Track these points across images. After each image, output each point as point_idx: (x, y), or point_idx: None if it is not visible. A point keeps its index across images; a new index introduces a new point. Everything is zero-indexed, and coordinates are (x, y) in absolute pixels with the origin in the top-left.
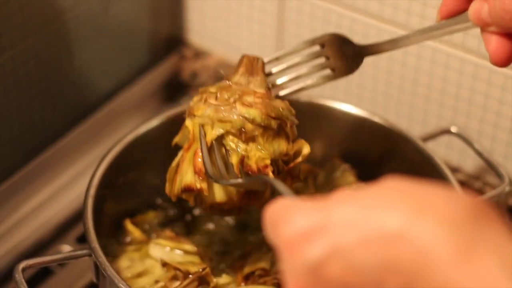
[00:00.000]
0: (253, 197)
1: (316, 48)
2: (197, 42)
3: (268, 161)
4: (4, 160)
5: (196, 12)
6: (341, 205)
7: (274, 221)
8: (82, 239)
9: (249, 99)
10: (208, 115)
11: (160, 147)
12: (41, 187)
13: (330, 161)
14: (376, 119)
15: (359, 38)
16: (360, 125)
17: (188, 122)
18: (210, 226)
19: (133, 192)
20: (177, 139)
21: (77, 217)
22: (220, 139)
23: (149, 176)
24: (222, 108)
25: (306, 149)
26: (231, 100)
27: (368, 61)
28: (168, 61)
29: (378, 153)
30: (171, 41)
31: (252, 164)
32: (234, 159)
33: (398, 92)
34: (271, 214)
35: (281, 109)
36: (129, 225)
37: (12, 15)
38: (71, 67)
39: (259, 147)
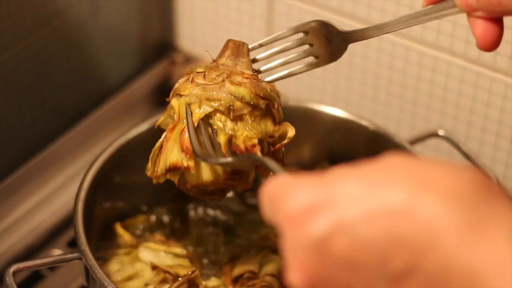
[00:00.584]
0: (237, 178)
1: (300, 35)
2: (187, 47)
3: (255, 141)
4: None
5: (186, 18)
6: (343, 181)
7: (273, 197)
8: (73, 244)
9: (237, 78)
10: (196, 93)
11: (150, 151)
12: (32, 192)
13: (318, 164)
14: (364, 122)
15: None
16: (348, 129)
17: (174, 102)
18: (200, 229)
19: (123, 196)
20: (160, 121)
21: (68, 222)
22: (207, 118)
23: (139, 180)
24: (210, 86)
25: (291, 132)
26: (220, 79)
27: (355, 65)
28: (158, 66)
29: (367, 157)
30: (162, 46)
31: (240, 143)
32: (221, 139)
33: (385, 95)
34: (270, 191)
35: (269, 90)
36: (119, 229)
37: (1, 20)
38: (61, 72)
39: (247, 126)
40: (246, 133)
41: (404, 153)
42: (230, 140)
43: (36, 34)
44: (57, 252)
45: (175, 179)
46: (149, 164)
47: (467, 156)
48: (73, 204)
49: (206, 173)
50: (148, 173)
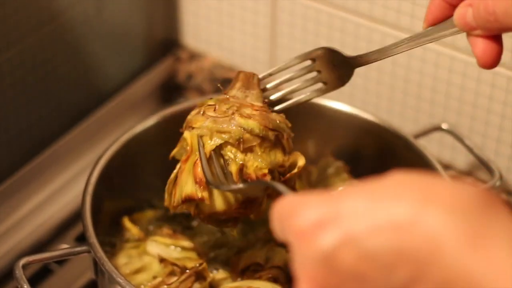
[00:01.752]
0: (249, 207)
1: (308, 62)
2: (192, 45)
3: (266, 170)
4: (2, 161)
5: (190, 15)
6: (350, 197)
7: (284, 215)
8: (80, 239)
9: (247, 111)
10: (207, 126)
11: (157, 146)
12: (40, 187)
13: (323, 159)
14: (369, 116)
15: (350, 38)
16: (353, 123)
17: (186, 134)
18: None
19: (131, 190)
20: (174, 152)
21: (76, 217)
22: (218, 149)
23: (146, 174)
24: (220, 119)
25: (301, 161)
26: (230, 112)
27: None
28: (163, 63)
29: (371, 150)
30: (166, 43)
31: (251, 172)
32: (233, 168)
33: (389, 90)
34: (280, 209)
35: (278, 122)
36: (127, 223)
37: (7, 18)
38: (67, 69)
39: (257, 157)
40: (256, 164)
41: (409, 171)
42: (241, 170)
43: (41, 31)
44: (65, 247)
45: (191, 209)
46: (166, 195)
47: (470, 149)
48: (80, 200)
49: (219, 203)
50: (165, 203)
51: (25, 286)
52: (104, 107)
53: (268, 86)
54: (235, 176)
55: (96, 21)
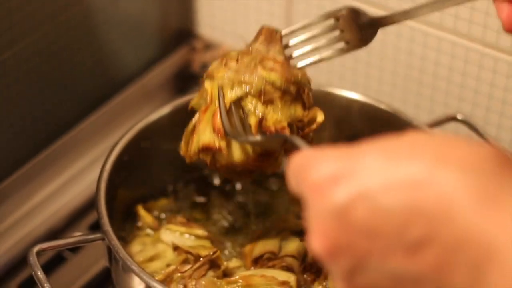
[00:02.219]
0: (265, 160)
1: (331, 21)
2: (207, 34)
3: (285, 124)
4: (18, 149)
5: (205, 5)
6: (366, 154)
7: (299, 169)
8: (94, 227)
9: (269, 64)
10: (228, 76)
11: (171, 135)
12: (55, 175)
13: None
14: (383, 106)
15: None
16: (367, 113)
17: (207, 84)
18: (221, 212)
19: (145, 179)
20: (193, 103)
21: (90, 205)
22: (238, 101)
23: (160, 163)
24: (242, 70)
25: (320, 117)
26: (252, 64)
27: (374, 51)
28: (178, 53)
29: None
30: (181, 33)
31: (270, 125)
32: (252, 120)
33: (404, 81)
34: (296, 163)
35: (299, 76)
36: (141, 210)
37: (23, 6)
38: (82, 58)
39: (277, 110)
40: (276, 116)
41: (423, 131)
42: (260, 122)
43: (57, 20)
44: (79, 234)
45: (207, 159)
46: (182, 144)
47: (485, 140)
48: (94, 188)
49: (236, 154)
50: (181, 152)
51: (39, 273)
52: (119, 96)
53: (290, 43)
54: (254, 128)
55: (111, 10)
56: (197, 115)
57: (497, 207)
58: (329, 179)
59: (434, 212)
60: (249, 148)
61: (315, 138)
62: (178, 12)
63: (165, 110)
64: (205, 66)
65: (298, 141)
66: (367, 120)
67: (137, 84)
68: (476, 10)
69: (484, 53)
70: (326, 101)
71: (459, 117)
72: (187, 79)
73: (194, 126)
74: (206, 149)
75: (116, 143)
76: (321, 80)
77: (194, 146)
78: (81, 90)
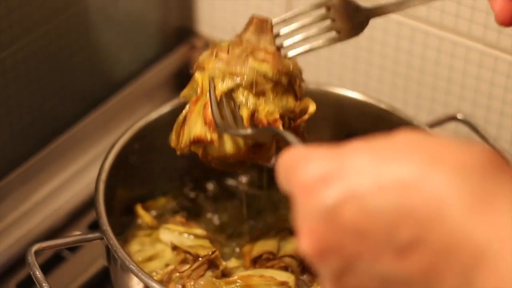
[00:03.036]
0: (257, 152)
1: (323, 10)
2: (207, 33)
3: (277, 115)
4: (17, 148)
5: (205, 3)
6: (356, 153)
7: (289, 167)
8: (93, 227)
9: (260, 55)
10: (219, 68)
11: (170, 134)
12: (53, 174)
13: None
14: (383, 106)
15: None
16: (367, 112)
17: (197, 75)
18: (221, 212)
19: (144, 178)
20: (184, 93)
21: (88, 205)
22: (229, 92)
23: (159, 162)
24: (233, 62)
25: (312, 107)
26: (243, 55)
27: (374, 50)
28: (178, 51)
29: None
30: (181, 31)
31: (262, 117)
32: (244, 112)
33: (404, 80)
34: (285, 161)
35: (291, 67)
36: (140, 210)
37: (22, 5)
38: (82, 56)
39: (268, 101)
40: (268, 108)
41: (416, 130)
42: (252, 114)
43: (56, 19)
44: (78, 234)
45: (199, 151)
46: (173, 135)
47: (485, 139)
48: (93, 187)
49: (228, 146)
50: (172, 144)
51: (37, 273)
52: (118, 95)
53: (281, 32)
54: (245, 121)
55: (111, 9)
56: (187, 106)
57: (488, 210)
58: (318, 179)
59: (424, 214)
60: (240, 140)
61: (314, 138)
62: (178, 10)
63: (165, 109)
64: None
65: (288, 136)
66: (367, 119)
67: (136, 83)
68: (477, 10)
69: (484, 52)
70: (325, 100)
71: (459, 116)
72: (187, 78)
73: (185, 118)
74: (197, 141)
75: (116, 142)
76: (321, 79)
77: (185, 138)
78: (80, 89)
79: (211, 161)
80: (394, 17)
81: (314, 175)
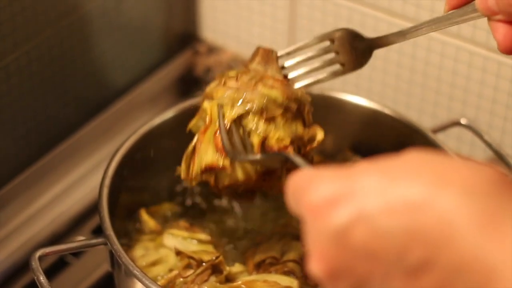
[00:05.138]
0: (268, 179)
1: (327, 43)
2: (210, 38)
3: (288, 141)
4: (21, 153)
5: (209, 8)
6: (365, 174)
7: (298, 189)
8: (97, 231)
9: (269, 82)
10: (228, 95)
11: (174, 139)
12: (57, 179)
13: (341, 153)
14: (387, 111)
15: (369, 32)
16: (371, 117)
17: (206, 104)
18: (224, 217)
19: (148, 183)
20: (191, 125)
21: (92, 210)
22: (239, 120)
23: (163, 167)
24: (243, 89)
25: (320, 135)
26: (252, 82)
27: (378, 54)
28: (181, 57)
29: (389, 145)
30: (185, 37)
31: (273, 144)
32: (255, 139)
33: (408, 85)
34: (295, 183)
35: (299, 93)
36: (144, 215)
37: (26, 10)
38: (85, 62)
39: (278, 128)
40: (278, 134)
41: (425, 149)
42: (263, 141)
43: (59, 24)
44: (81, 239)
45: (210, 179)
46: (183, 167)
47: (489, 145)
48: (97, 192)
49: (240, 173)
50: (182, 176)
51: (41, 278)
52: (122, 101)
53: (286, 64)
54: (256, 148)
55: (114, 14)
56: (196, 137)
57: (498, 230)
58: (328, 201)
59: (434, 235)
60: (251, 168)
61: (319, 145)
62: (181, 16)
63: (168, 114)
64: (208, 70)
65: (297, 159)
66: (370, 124)
67: (140, 88)
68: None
69: (488, 57)
70: (329, 106)
71: (463, 121)
72: (190, 83)
73: (194, 148)
74: (209, 169)
75: (119, 147)
76: (325, 84)
77: (196, 167)
78: (83, 94)
79: (221, 190)
80: (397, 21)
81: (324, 196)
